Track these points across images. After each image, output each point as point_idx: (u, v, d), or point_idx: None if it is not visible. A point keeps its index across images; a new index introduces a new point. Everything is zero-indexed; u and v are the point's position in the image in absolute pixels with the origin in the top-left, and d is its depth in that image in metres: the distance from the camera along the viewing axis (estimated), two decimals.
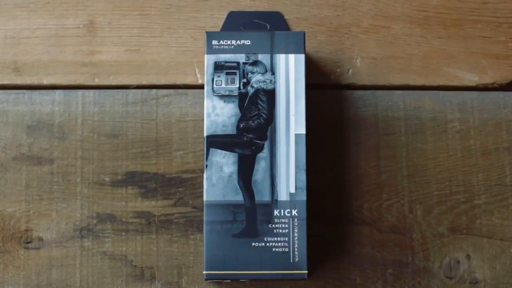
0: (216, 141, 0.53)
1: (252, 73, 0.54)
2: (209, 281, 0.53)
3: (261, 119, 0.53)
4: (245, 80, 0.54)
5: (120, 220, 0.57)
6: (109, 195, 0.57)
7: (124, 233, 0.57)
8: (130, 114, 0.58)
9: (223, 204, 0.52)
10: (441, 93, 0.59)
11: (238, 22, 0.58)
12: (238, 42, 0.54)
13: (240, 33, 0.54)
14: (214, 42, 0.54)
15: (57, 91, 0.58)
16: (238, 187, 0.53)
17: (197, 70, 0.59)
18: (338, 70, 0.59)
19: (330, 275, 0.57)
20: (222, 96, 0.54)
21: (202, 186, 0.57)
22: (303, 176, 0.53)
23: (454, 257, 0.57)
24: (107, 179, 0.57)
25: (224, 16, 0.59)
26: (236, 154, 0.53)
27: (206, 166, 0.53)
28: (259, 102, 0.54)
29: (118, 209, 0.57)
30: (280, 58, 0.54)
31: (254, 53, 0.54)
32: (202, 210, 0.56)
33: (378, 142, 0.58)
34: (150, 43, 0.59)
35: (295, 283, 0.56)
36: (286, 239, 0.52)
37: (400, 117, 0.58)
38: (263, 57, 0.54)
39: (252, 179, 0.53)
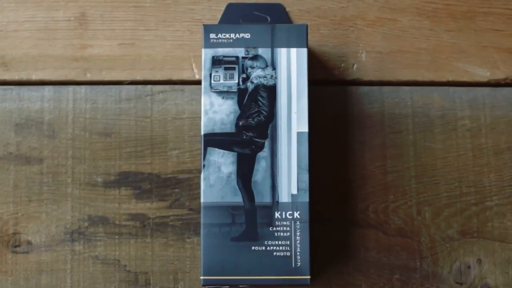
0: (214, 140, 0.53)
1: (252, 68, 0.54)
2: (206, 287, 0.53)
3: (262, 117, 0.53)
4: (244, 76, 0.54)
5: (113, 222, 0.57)
6: (101, 197, 0.57)
7: (117, 237, 0.57)
8: (124, 111, 0.58)
9: (222, 206, 0.52)
10: (451, 89, 0.59)
11: (237, 15, 0.58)
12: (237, 35, 0.54)
13: (239, 26, 0.54)
14: (212, 35, 0.54)
15: (47, 87, 0.58)
16: (237, 188, 0.53)
17: (194, 65, 0.59)
18: (342, 65, 0.59)
19: (334, 280, 0.57)
20: (220, 92, 0.54)
21: (199, 187, 0.57)
22: (305, 177, 0.53)
23: (464, 262, 0.57)
24: (99, 179, 0.57)
25: (222, 8, 0.59)
26: (235, 153, 0.53)
27: (204, 166, 0.53)
28: (259, 98, 0.54)
29: (111, 211, 0.57)
30: (282, 53, 0.54)
31: (254, 47, 0.54)
32: (199, 212, 0.56)
33: (384, 141, 0.58)
34: (144, 37, 0.59)
35: None
36: (288, 242, 0.52)
37: (407, 115, 0.58)
38: (264, 51, 0.54)
39: (252, 179, 0.53)
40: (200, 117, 0.54)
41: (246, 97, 0.54)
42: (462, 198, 0.58)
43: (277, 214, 0.52)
